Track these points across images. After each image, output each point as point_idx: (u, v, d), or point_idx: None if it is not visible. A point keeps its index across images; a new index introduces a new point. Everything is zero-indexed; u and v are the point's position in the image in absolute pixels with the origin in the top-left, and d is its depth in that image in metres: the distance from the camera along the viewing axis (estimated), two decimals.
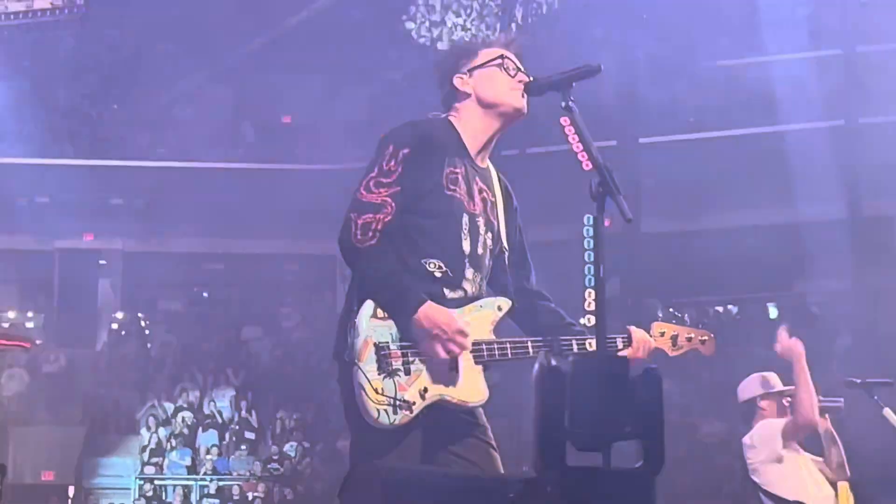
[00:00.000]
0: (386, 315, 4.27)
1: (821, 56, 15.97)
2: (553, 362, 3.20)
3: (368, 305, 4.24)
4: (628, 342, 4.39)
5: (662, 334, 4.52)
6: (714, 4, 15.77)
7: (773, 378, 7.41)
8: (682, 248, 16.22)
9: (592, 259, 4.67)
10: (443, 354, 4.21)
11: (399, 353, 4.23)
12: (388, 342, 4.20)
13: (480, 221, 4.44)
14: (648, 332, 4.49)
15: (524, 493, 3.27)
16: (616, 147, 15.80)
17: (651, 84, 16.13)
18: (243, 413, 17.94)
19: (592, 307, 4.69)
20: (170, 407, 17.89)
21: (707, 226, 17.28)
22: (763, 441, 7.47)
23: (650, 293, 15.34)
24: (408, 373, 4.23)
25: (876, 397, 7.27)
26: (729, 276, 16.91)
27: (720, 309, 18.94)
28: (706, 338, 4.60)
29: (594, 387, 3.20)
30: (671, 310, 14.89)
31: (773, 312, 18.07)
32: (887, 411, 7.47)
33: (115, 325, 20.48)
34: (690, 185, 17.20)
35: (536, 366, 3.26)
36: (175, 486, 16.93)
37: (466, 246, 4.41)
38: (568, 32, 15.75)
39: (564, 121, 4.03)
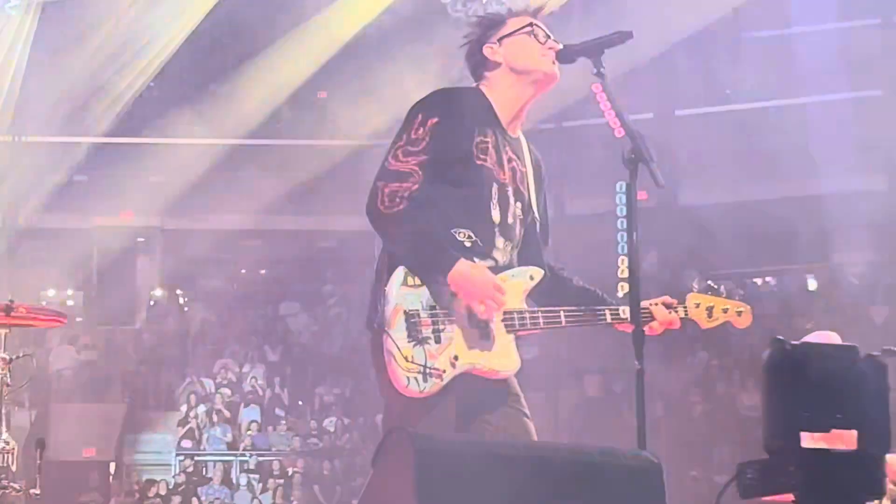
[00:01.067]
0: (416, 283, 4.27)
1: (855, 26, 15.74)
2: (787, 347, 3.28)
3: (399, 273, 4.23)
4: (649, 319, 4.35)
5: (697, 305, 4.49)
6: None
7: (836, 337, 8.02)
8: (719, 221, 15.44)
9: (625, 226, 4.84)
10: (480, 310, 4.21)
11: (429, 320, 4.22)
12: (418, 310, 4.20)
13: (510, 191, 4.45)
14: (684, 304, 4.44)
15: (763, 472, 3.32)
16: (652, 119, 16.03)
17: (687, 57, 16.19)
18: (280, 389, 17.98)
19: (626, 274, 5.08)
20: (209, 383, 17.92)
21: (744, 198, 16.79)
22: None
23: (687, 266, 15.23)
24: (438, 341, 4.22)
25: None
26: (766, 247, 16.87)
27: (758, 281, 18.76)
28: (742, 309, 4.54)
29: (823, 373, 3.30)
30: (708, 282, 14.76)
31: (811, 284, 17.80)
32: None
33: (153, 303, 20.51)
34: (726, 158, 16.77)
35: (768, 351, 3.33)
36: (215, 461, 16.98)
37: (496, 215, 4.41)
38: (602, 3, 15.81)
39: (596, 87, 4.18)
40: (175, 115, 17.67)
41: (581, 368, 15.93)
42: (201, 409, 17.41)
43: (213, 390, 17.82)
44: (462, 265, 4.22)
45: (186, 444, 17.13)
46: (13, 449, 8.64)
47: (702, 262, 15.73)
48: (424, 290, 4.25)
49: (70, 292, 19.29)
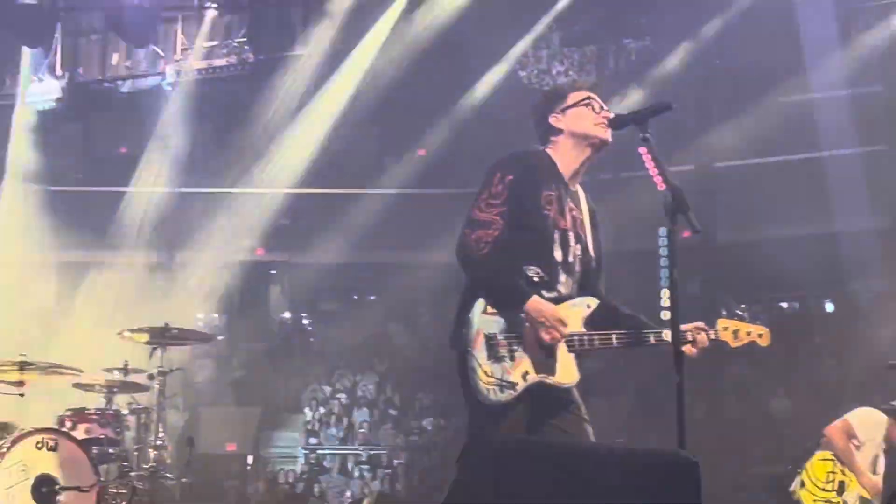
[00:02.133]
0: (495, 311, 4.60)
1: (861, 92, 16.32)
2: None
3: (480, 303, 4.58)
4: (686, 341, 4.63)
5: (726, 329, 4.81)
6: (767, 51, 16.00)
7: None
8: (751, 256, 16.41)
9: (667, 264, 5.28)
10: (546, 338, 4.54)
11: (505, 342, 4.56)
12: (496, 333, 4.57)
13: (571, 235, 4.77)
14: (715, 328, 4.77)
15: None
16: (693, 171, 16.44)
17: (724, 117, 16.96)
18: (388, 394, 18.79)
19: (667, 304, 5.13)
20: (328, 390, 18.90)
21: (772, 236, 17.07)
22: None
23: (724, 293, 15.97)
24: (512, 359, 4.55)
25: None
26: (791, 278, 16.95)
27: (785, 305, 19.02)
28: (763, 332, 4.91)
29: None
30: (742, 306, 15.24)
31: (829, 307, 18.46)
32: None
33: (282, 324, 21.29)
34: (757, 202, 17.41)
35: None
36: (333, 454, 18.02)
37: (559, 255, 4.73)
38: (652, 74, 16.77)
39: (642, 150, 4.34)
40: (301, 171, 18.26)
41: (637, 381, 15.91)
42: (321, 411, 18.43)
43: (330, 395, 18.71)
44: (534, 301, 4.55)
45: (311, 440, 18.14)
46: (168, 446, 9.31)
47: (736, 290, 16.46)
48: (500, 318, 4.60)
49: (216, 315, 19.52)
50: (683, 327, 4.56)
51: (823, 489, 9.30)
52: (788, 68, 16.31)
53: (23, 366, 8.90)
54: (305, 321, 21.59)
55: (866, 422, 9.29)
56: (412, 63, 17.09)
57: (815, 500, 9.34)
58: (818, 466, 9.38)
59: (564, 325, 4.53)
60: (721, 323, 4.79)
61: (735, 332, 4.85)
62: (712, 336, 4.70)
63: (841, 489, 9.30)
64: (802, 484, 9.51)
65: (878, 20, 16.50)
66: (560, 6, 17.47)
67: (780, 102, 16.75)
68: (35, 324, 14.80)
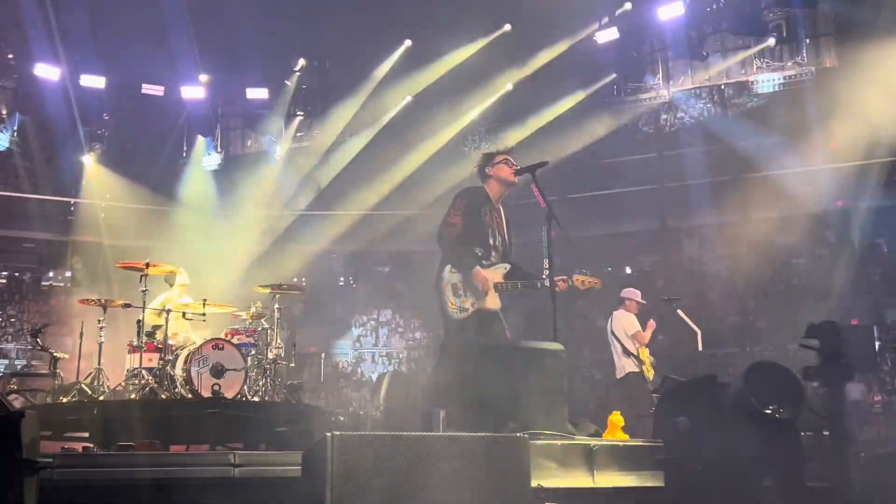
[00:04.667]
0: (456, 271, 7.01)
1: None
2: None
3: (448, 267, 7.05)
4: (559, 285, 6.42)
5: (577, 279, 6.93)
6: None
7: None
8: (588, 245, 19.70)
9: (547, 247, 6.40)
10: (481, 287, 6.85)
11: (461, 286, 6.95)
12: (457, 282, 6.84)
13: (497, 232, 7.18)
14: (571, 278, 6.89)
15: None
16: (558, 198, 20.15)
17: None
18: (397, 320, 23.84)
19: (547, 267, 6.79)
20: (364, 318, 24.10)
21: (596, 233, 22.02)
22: None
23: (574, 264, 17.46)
24: (465, 296, 6.93)
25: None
26: (608, 256, 21.94)
27: (610, 269, 22.62)
28: (597, 281, 7.02)
29: None
30: (584, 270, 15.77)
31: (628, 270, 23.59)
32: (680, 311, 11.57)
33: (340, 283, 25.87)
34: (593, 208, 22.49)
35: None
36: (368, 352, 23.18)
37: (491, 241, 7.12)
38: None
39: (532, 186, 6.51)
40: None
41: (528, 308, 16.16)
42: (361, 329, 24.05)
43: (366, 321, 23.86)
44: (477, 270, 6.83)
45: (356, 345, 23.24)
46: (281, 347, 11.43)
47: (580, 262, 17.16)
48: (459, 274, 6.86)
49: (304, 278, 22.60)
50: (555, 278, 6.45)
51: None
52: None
53: (205, 303, 11.32)
54: (352, 282, 27.10)
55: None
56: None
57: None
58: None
59: (489, 280, 6.69)
60: (575, 276, 6.81)
61: (582, 282, 6.89)
62: (570, 283, 6.70)
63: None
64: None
65: None
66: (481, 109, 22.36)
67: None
68: (212, 273, 15.58)
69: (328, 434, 4.73)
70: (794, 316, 16.97)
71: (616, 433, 7.75)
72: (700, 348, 11.95)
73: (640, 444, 6.77)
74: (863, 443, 11.13)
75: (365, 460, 4.52)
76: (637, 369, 11.32)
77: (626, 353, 11.30)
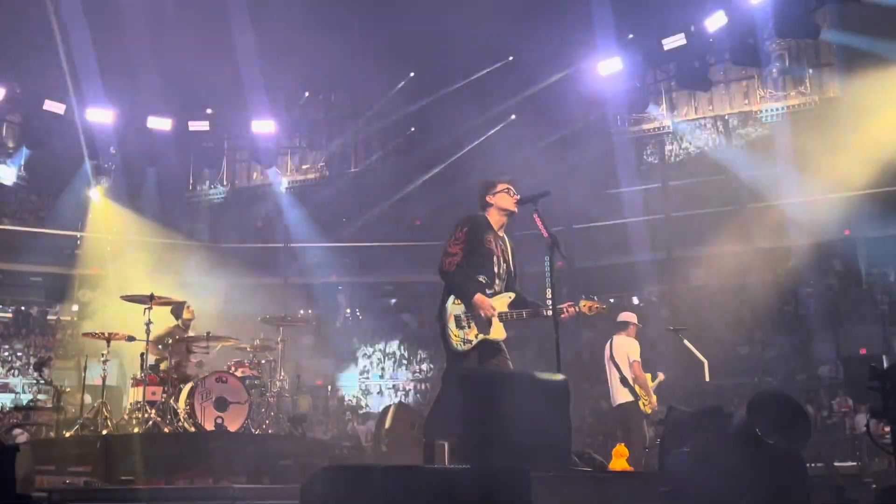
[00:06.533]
0: (459, 302, 6.33)
1: None
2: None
3: (451, 298, 6.40)
4: (561, 313, 6.04)
5: (584, 305, 6.36)
6: None
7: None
8: (594, 274, 21.91)
9: (549, 276, 6.17)
10: (484, 315, 6.23)
11: (465, 318, 6.30)
12: (460, 313, 6.25)
13: (500, 259, 6.54)
14: (578, 303, 6.33)
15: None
16: (561, 229, 20.89)
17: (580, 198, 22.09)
18: (402, 352, 24.26)
19: (550, 296, 6.46)
20: (370, 349, 24.36)
21: (608, 263, 23.20)
22: None
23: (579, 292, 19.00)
24: (469, 327, 6.28)
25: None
26: (616, 284, 22.72)
27: (613, 300, 22.68)
28: (605, 306, 6.42)
29: None
30: (593, 296, 18.52)
31: (635, 300, 24.16)
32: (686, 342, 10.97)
33: (345, 316, 26.79)
34: (598, 238, 23.25)
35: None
36: (374, 384, 23.60)
37: (495, 269, 6.48)
38: None
39: (534, 215, 6.08)
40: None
41: (536, 339, 17.75)
42: (367, 361, 24.36)
43: (371, 353, 24.45)
44: (479, 297, 6.23)
45: (362, 376, 23.61)
46: (286, 380, 11.39)
47: (585, 290, 17.64)
48: (462, 305, 6.27)
49: (310, 311, 23.92)
50: (561, 305, 6.08)
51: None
52: None
53: (209, 335, 11.19)
54: (358, 314, 27.79)
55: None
56: None
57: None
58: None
59: (495, 309, 6.16)
60: (583, 302, 6.30)
61: (590, 307, 6.33)
62: (578, 308, 6.21)
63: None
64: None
65: None
66: None
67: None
68: (215, 311, 15.66)
69: (322, 467, 4.62)
70: (803, 346, 17.39)
71: (620, 464, 7.50)
72: (707, 378, 11.51)
73: (644, 474, 6.75)
74: None
75: (357, 494, 4.38)
76: (631, 399, 10.76)
77: (623, 381, 10.70)
